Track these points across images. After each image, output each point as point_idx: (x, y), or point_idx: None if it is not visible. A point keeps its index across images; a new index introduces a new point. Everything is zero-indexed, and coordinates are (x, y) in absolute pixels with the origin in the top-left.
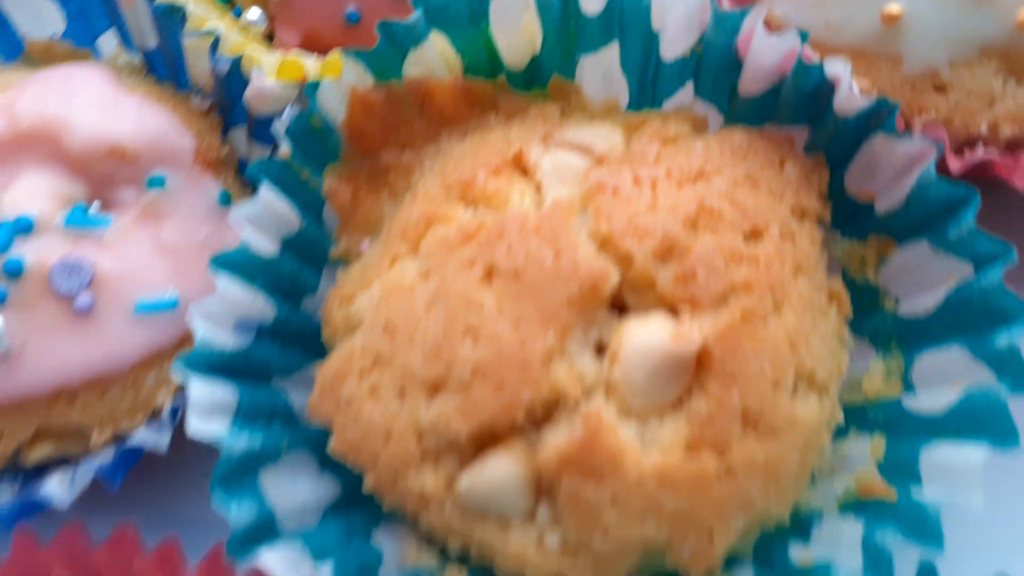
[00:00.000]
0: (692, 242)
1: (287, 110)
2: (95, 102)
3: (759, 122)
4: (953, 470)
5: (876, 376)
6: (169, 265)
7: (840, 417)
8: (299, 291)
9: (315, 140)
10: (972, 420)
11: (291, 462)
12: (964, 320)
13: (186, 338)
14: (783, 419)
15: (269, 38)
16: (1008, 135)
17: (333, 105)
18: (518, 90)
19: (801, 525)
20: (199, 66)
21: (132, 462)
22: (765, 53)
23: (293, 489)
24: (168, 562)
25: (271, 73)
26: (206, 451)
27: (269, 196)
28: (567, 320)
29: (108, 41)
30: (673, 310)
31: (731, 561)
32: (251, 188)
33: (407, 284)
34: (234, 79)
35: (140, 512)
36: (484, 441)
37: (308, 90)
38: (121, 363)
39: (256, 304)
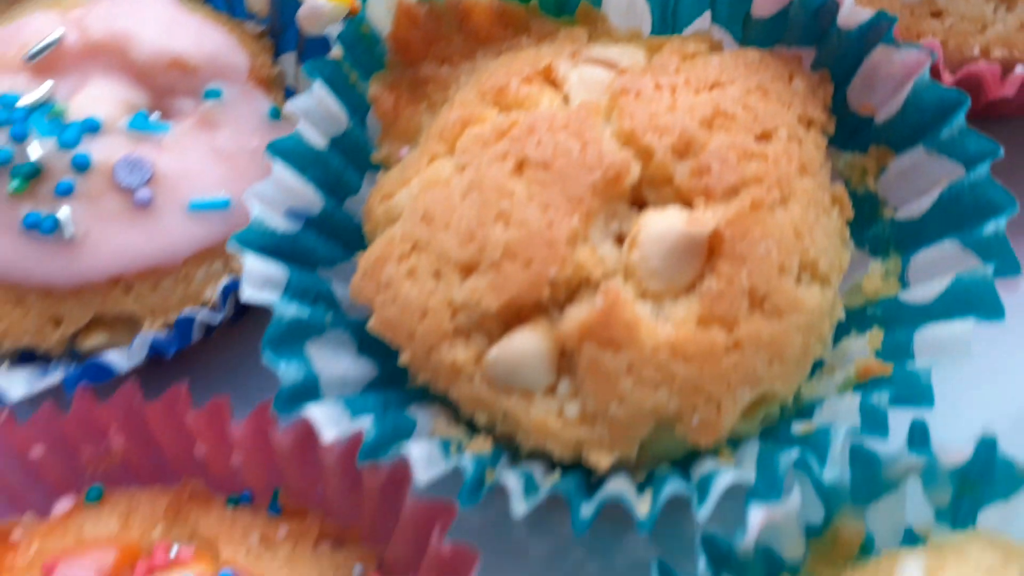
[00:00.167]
0: (707, 139)
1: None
2: (160, 19)
3: (770, 44)
4: (944, 342)
5: (875, 276)
6: (222, 169)
7: (841, 313)
8: (343, 189)
9: (363, 47)
10: (961, 300)
11: (333, 339)
12: (956, 216)
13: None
14: (788, 301)
15: None
16: (998, 57)
17: (381, 16)
18: (549, 15)
19: (803, 410)
20: None
21: (187, 334)
22: None
23: (335, 362)
24: (217, 417)
25: None
26: (255, 329)
27: (322, 92)
28: (591, 206)
29: None
30: (688, 204)
31: (737, 444)
32: None
33: (444, 178)
34: (288, 5)
35: (193, 380)
36: (512, 320)
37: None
38: (175, 256)
39: (306, 194)
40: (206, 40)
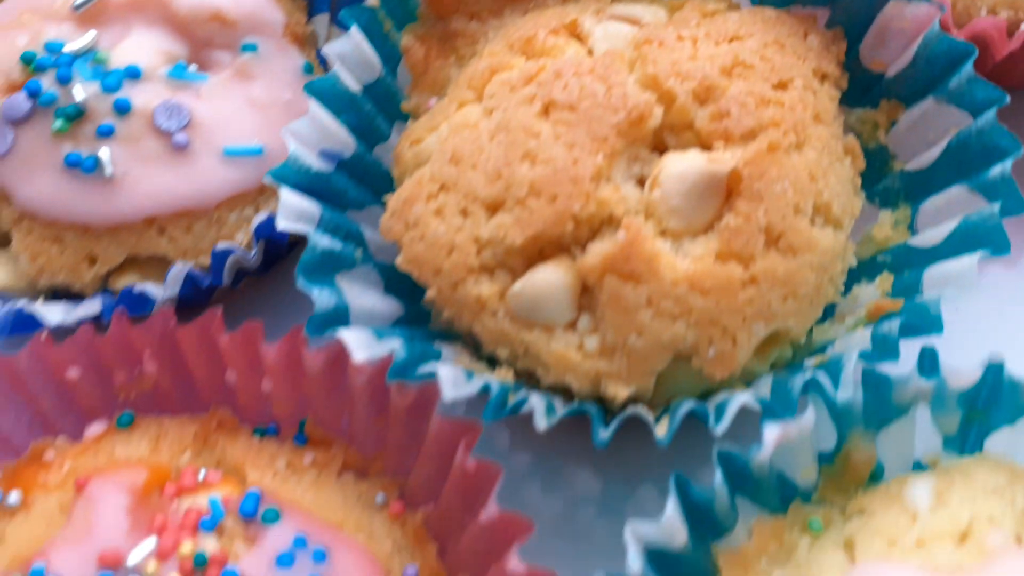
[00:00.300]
0: (727, 86)
1: None
2: None
3: (786, 5)
4: (951, 275)
5: (885, 225)
6: (256, 119)
7: (852, 259)
8: (374, 136)
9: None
10: (969, 238)
11: (362, 275)
12: (964, 162)
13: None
14: (802, 240)
15: None
16: (1004, 18)
17: None
18: None
19: (815, 352)
20: None
21: (220, 270)
22: None
23: (364, 297)
24: (249, 340)
25: None
26: (283, 280)
27: (358, 38)
28: (615, 146)
29: None
30: (708, 149)
31: (750, 384)
32: (326, 70)
33: (472, 121)
34: None
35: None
36: (535, 258)
37: None
38: (208, 199)
39: (339, 136)
40: None
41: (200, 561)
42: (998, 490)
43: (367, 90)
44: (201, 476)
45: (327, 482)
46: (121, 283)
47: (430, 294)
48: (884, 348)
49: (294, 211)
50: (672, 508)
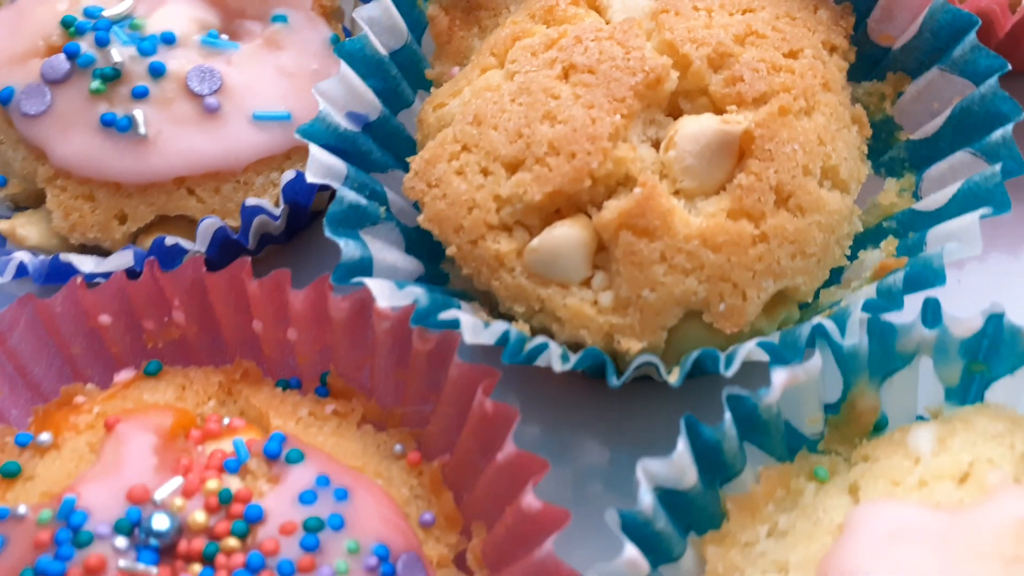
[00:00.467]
0: (740, 53)
1: None
2: None
3: None
4: (953, 231)
5: (890, 192)
6: (284, 86)
7: (859, 225)
8: (398, 101)
9: None
10: (971, 199)
11: (385, 232)
12: (967, 129)
13: (294, 150)
14: (811, 200)
15: None
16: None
17: None
18: None
19: (821, 311)
20: None
21: (248, 226)
22: None
23: (386, 252)
24: (277, 287)
25: None
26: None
27: (386, 3)
28: (632, 107)
29: None
30: (721, 113)
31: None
32: None
33: (494, 85)
34: None
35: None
36: (553, 217)
37: None
38: (237, 160)
39: (366, 98)
40: None
41: (225, 498)
42: (998, 436)
43: (393, 56)
44: (225, 422)
45: (347, 431)
46: (150, 242)
47: (450, 251)
48: (889, 298)
49: (322, 167)
50: (682, 446)
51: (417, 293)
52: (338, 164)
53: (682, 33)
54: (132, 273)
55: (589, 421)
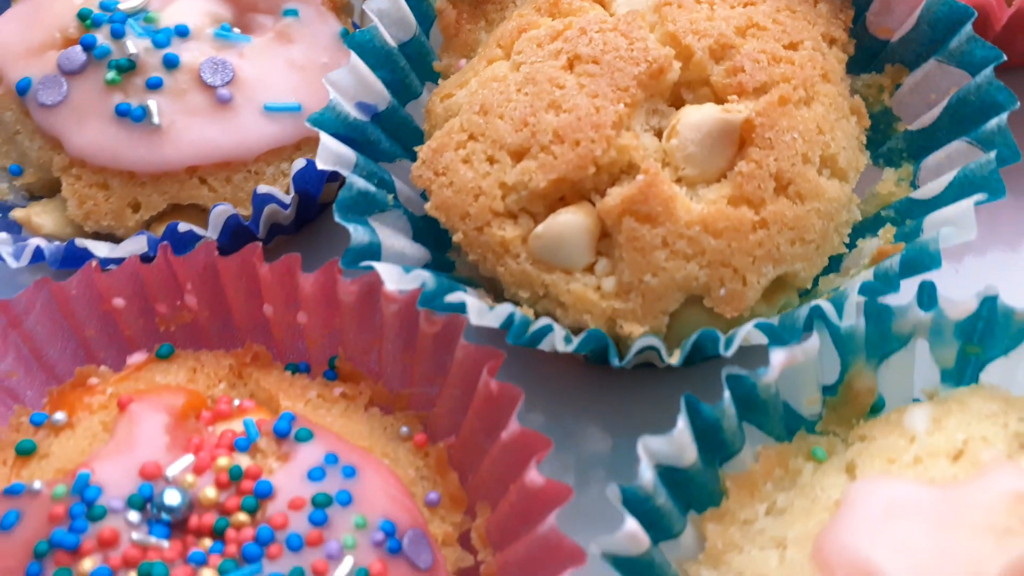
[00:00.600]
0: (742, 44)
1: None
2: None
3: None
4: (949, 217)
5: (888, 181)
6: (295, 79)
7: (857, 214)
8: (406, 93)
9: None
10: (966, 185)
11: (392, 219)
12: (963, 118)
13: (304, 142)
14: (810, 188)
15: None
16: None
17: None
18: None
19: (820, 296)
20: None
21: (259, 214)
22: None
23: (394, 238)
24: (287, 271)
25: None
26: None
27: None
28: (636, 96)
29: None
30: (723, 103)
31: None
32: None
33: (500, 75)
34: None
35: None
36: (557, 205)
37: None
38: (248, 151)
39: (375, 89)
40: None
41: (235, 474)
42: (992, 416)
43: (402, 48)
44: (236, 404)
45: (355, 413)
46: (162, 230)
47: (456, 238)
48: (885, 281)
49: (332, 154)
50: (682, 424)
51: (424, 277)
52: (347, 152)
53: (684, 25)
54: (145, 258)
55: (592, 408)
